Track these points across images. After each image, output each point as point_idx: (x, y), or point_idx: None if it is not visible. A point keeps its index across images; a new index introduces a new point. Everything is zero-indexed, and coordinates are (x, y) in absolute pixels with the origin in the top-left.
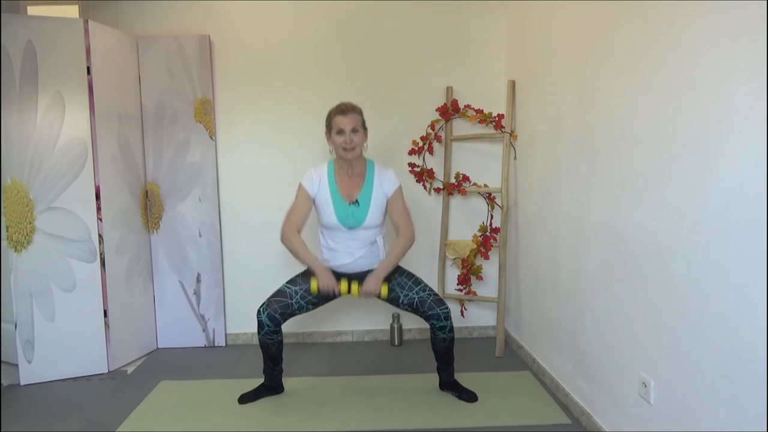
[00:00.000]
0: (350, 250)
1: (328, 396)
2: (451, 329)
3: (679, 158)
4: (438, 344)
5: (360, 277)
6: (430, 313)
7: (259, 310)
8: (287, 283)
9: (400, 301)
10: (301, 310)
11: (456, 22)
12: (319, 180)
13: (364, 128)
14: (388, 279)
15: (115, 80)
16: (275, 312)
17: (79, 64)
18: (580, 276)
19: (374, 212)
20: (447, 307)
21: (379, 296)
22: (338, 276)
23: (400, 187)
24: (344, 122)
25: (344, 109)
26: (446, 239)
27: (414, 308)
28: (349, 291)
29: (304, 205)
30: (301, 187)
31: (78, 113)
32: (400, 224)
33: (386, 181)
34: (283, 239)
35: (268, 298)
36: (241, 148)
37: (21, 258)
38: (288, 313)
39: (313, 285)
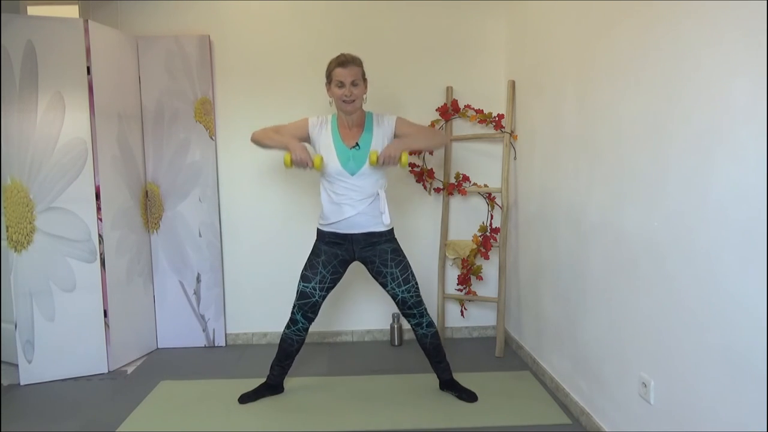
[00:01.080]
0: (352, 202)
1: (328, 396)
2: (430, 324)
3: (679, 158)
4: (421, 340)
5: (362, 239)
6: (407, 312)
7: (293, 311)
8: (302, 282)
9: (387, 288)
10: (324, 297)
11: (456, 22)
12: (321, 125)
13: (364, 80)
14: (384, 262)
15: (115, 80)
16: (307, 312)
17: (79, 64)
18: (580, 276)
19: None
20: (423, 307)
21: (398, 164)
22: (341, 237)
23: (399, 117)
24: (344, 74)
25: (344, 60)
26: (446, 239)
27: (395, 302)
28: (324, 163)
29: (292, 126)
30: (303, 119)
31: (78, 113)
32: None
33: (384, 122)
34: (252, 137)
35: (297, 303)
36: (241, 148)
37: (21, 258)
38: (317, 308)
39: (286, 159)
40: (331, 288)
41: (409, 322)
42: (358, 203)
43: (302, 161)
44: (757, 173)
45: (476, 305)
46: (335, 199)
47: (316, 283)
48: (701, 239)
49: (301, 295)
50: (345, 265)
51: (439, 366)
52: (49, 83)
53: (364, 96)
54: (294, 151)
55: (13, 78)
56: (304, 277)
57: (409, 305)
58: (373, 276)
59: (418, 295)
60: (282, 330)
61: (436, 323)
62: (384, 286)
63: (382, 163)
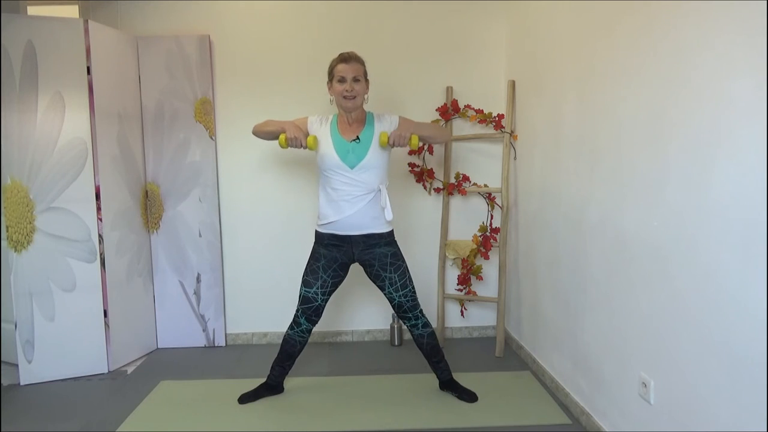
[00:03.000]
0: (351, 198)
1: (328, 396)
2: (425, 325)
3: (679, 158)
4: (418, 340)
5: (361, 241)
6: (402, 315)
7: (296, 314)
8: (304, 287)
9: (385, 291)
10: (327, 300)
11: (456, 22)
12: (320, 122)
13: (366, 78)
14: (383, 267)
15: (115, 80)
16: (311, 315)
17: (79, 64)
18: (580, 276)
19: (375, 150)
20: (419, 310)
21: (408, 145)
22: (340, 239)
23: (402, 116)
24: (346, 70)
25: (346, 57)
26: (446, 239)
27: (392, 305)
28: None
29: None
30: (303, 117)
31: (78, 113)
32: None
33: (386, 121)
34: (253, 130)
35: (300, 307)
36: (241, 148)
37: (21, 258)
38: (321, 311)
39: (281, 139)
40: (333, 291)
41: (404, 323)
42: (357, 200)
43: (296, 139)
44: (757, 173)
45: (476, 305)
46: (333, 196)
47: (317, 288)
48: (701, 239)
49: (303, 299)
50: (345, 268)
51: (438, 366)
52: (49, 83)
53: (366, 96)
54: (288, 130)
55: (13, 78)
56: (305, 282)
57: (405, 309)
58: (371, 279)
59: (414, 299)
60: (283, 330)
61: (435, 323)
62: (382, 289)
63: (392, 143)
